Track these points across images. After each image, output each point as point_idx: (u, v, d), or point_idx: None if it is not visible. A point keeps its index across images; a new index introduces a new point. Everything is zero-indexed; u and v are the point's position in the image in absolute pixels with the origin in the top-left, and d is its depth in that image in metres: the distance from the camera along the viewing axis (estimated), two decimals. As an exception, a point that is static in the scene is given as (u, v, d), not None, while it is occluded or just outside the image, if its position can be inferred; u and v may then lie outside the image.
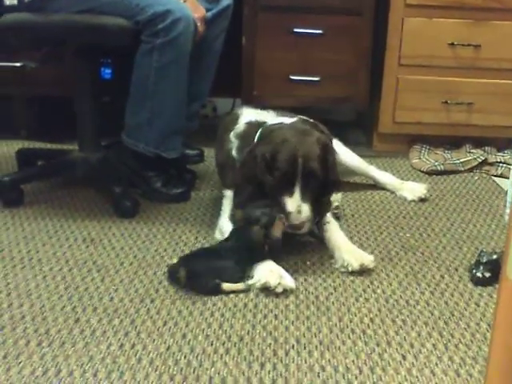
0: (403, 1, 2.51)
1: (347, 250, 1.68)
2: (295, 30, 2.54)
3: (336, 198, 1.99)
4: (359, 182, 2.32)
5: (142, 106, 2.01)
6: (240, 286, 1.54)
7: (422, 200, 2.17)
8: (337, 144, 2.11)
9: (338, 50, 2.58)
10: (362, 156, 2.51)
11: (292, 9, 2.54)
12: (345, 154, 2.21)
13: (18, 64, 2.57)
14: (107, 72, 2.62)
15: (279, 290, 1.52)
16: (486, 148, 2.59)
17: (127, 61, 2.04)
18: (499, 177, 2.45)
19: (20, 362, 1.26)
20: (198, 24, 2.00)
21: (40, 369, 1.24)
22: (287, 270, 1.64)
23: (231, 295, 1.52)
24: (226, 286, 1.53)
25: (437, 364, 1.27)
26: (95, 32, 1.86)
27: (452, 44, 2.54)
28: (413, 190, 2.20)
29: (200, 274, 1.54)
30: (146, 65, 1.94)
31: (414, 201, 2.16)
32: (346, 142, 2.38)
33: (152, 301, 1.50)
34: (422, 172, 2.48)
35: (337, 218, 1.93)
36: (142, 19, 1.87)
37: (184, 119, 2.13)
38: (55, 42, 1.94)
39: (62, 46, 1.99)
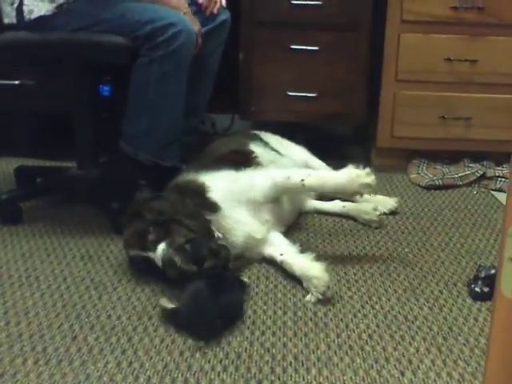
0: (399, 17, 2.52)
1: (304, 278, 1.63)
2: (292, 46, 2.56)
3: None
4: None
5: (141, 115, 2.01)
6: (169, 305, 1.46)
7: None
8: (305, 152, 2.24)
9: (334, 65, 2.60)
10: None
11: (288, 25, 2.56)
12: (315, 161, 2.26)
13: (16, 82, 2.58)
14: (105, 89, 2.63)
15: None
16: (485, 162, 2.60)
17: (126, 78, 2.05)
18: (498, 191, 2.45)
19: (17, 381, 1.25)
20: (198, 35, 2.01)
21: (36, 387, 1.24)
22: (284, 287, 1.65)
23: (229, 312, 1.52)
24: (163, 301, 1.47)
25: (435, 380, 1.26)
26: (91, 49, 1.88)
27: (449, 59, 2.55)
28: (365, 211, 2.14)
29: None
30: (145, 75, 1.95)
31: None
32: (344, 158, 2.38)
33: (150, 318, 1.49)
34: (421, 187, 2.48)
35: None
36: (141, 34, 1.88)
37: (182, 128, 2.14)
38: (53, 59, 1.96)
39: (59, 63, 2.00)
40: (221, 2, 2.27)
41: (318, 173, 1.83)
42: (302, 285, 1.65)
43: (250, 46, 2.58)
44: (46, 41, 1.87)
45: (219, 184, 1.77)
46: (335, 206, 2.18)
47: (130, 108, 2.04)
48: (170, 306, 1.45)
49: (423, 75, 2.59)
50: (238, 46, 2.57)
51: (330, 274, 1.62)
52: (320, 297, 1.57)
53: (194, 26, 2.01)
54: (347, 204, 2.16)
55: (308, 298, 1.59)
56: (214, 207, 1.72)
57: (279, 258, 1.73)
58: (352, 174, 1.69)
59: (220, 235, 1.68)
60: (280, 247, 1.76)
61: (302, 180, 1.74)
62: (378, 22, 2.58)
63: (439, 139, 2.65)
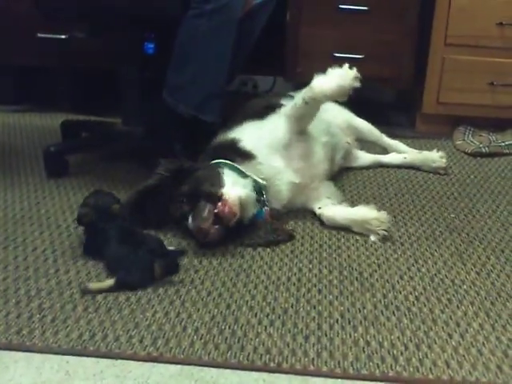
0: (451, -21, 2.46)
1: (359, 222, 1.71)
2: (341, 6, 2.51)
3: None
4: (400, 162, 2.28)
5: (185, 67, 2.00)
6: (107, 282, 1.45)
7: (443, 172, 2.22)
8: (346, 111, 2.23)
9: (383, 27, 2.54)
10: (403, 137, 2.50)
11: (337, -17, 2.51)
12: (358, 121, 2.26)
13: (62, 36, 2.59)
14: (150, 47, 2.62)
15: None
16: (532, 131, 2.54)
17: (170, 36, 2.04)
18: (545, 160, 2.39)
19: (67, 326, 1.28)
20: None
21: (87, 333, 1.26)
22: (329, 247, 1.64)
23: (274, 268, 1.52)
24: (93, 285, 1.45)
25: (484, 344, 1.25)
26: (146, 2, 1.86)
27: (501, 23, 2.47)
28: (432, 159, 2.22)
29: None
30: (192, 28, 1.93)
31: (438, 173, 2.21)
32: (387, 123, 2.34)
33: (196, 271, 1.51)
34: (466, 154, 2.43)
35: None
36: None
37: (225, 84, 2.12)
38: (104, 11, 1.94)
39: (110, 16, 1.99)
40: None
41: (317, 82, 1.78)
42: (346, 245, 1.65)
43: (298, 5, 2.53)
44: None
45: (247, 134, 1.82)
46: (395, 158, 2.27)
47: (175, 59, 2.02)
48: (109, 282, 1.44)
49: (473, 40, 2.51)
50: (281, 7, 2.52)
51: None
52: (386, 234, 1.66)
53: None
54: (408, 155, 2.25)
55: (373, 238, 1.67)
56: (248, 155, 1.76)
57: (318, 211, 1.78)
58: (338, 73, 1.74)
59: (264, 183, 1.73)
60: (322, 200, 1.80)
61: (304, 98, 1.77)
62: (430, -18, 2.51)
63: (487, 106, 2.59)
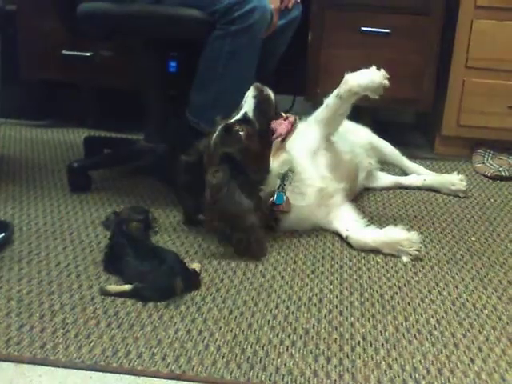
0: (473, 2, 2.47)
1: (390, 243, 1.72)
2: (362, 28, 2.53)
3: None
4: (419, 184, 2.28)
5: (209, 87, 2.02)
6: (125, 287, 1.49)
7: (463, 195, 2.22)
8: (369, 132, 2.26)
9: (404, 50, 2.56)
10: (422, 159, 2.51)
11: (360, 7, 2.53)
12: (380, 142, 2.28)
13: (87, 54, 2.63)
14: (173, 65, 2.65)
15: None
16: (553, 155, 2.53)
17: (193, 54, 2.07)
18: None
19: (91, 342, 1.29)
20: (274, 14, 2.00)
21: (110, 349, 1.27)
22: (350, 268, 1.65)
23: (295, 288, 1.53)
24: (111, 287, 1.49)
25: (507, 370, 1.24)
26: (170, 23, 1.89)
27: (522, 48, 2.49)
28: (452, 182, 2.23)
29: None
30: (217, 48, 1.95)
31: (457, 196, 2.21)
32: (406, 144, 2.34)
33: (218, 290, 1.51)
34: (486, 177, 2.43)
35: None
36: (220, 8, 1.88)
37: None
38: (130, 32, 1.98)
39: (134, 36, 2.02)
40: None
41: (351, 76, 1.86)
42: (367, 266, 1.65)
43: (319, 26, 2.55)
44: (124, 12, 1.89)
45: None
46: (415, 180, 2.28)
47: (199, 79, 2.05)
48: (127, 287, 1.48)
49: (494, 63, 2.52)
50: (303, 27, 2.55)
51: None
52: (418, 254, 1.69)
53: (274, 3, 2.00)
54: (428, 177, 2.27)
55: (405, 259, 1.69)
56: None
57: (345, 233, 1.79)
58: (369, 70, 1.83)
59: (296, 187, 1.79)
60: (347, 222, 1.81)
61: (338, 94, 1.86)
62: (451, 6, 2.52)
63: (506, 129, 2.58)
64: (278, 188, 1.76)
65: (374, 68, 1.82)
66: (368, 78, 1.81)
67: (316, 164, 1.85)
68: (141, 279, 1.48)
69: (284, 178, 1.77)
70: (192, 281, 1.51)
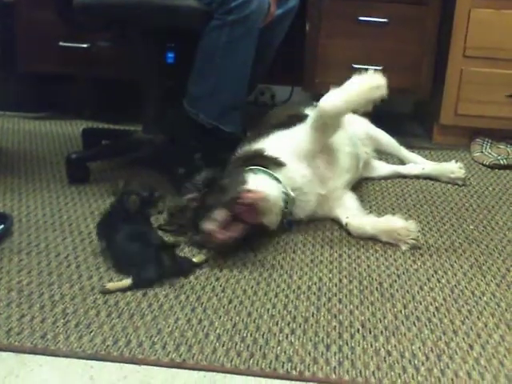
0: (471, -10, 2.47)
1: (388, 231, 1.72)
2: (360, 18, 2.53)
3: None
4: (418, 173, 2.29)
5: (207, 78, 2.02)
6: (125, 282, 1.48)
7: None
8: (366, 122, 2.22)
9: (402, 39, 2.56)
10: (420, 148, 2.51)
11: (357, -4, 2.53)
12: (377, 131, 2.26)
13: (84, 45, 2.63)
14: (170, 56, 2.64)
15: None
16: (551, 144, 2.54)
17: (190, 45, 2.06)
18: None
19: (91, 331, 1.30)
20: (271, 4, 2.00)
21: (111, 338, 1.27)
22: (349, 257, 1.65)
23: (294, 277, 1.53)
24: (111, 285, 1.48)
25: (505, 356, 1.25)
26: (167, 13, 1.89)
27: (520, 36, 2.48)
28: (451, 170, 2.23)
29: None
30: (214, 38, 1.95)
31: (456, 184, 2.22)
32: (404, 134, 2.34)
33: (217, 279, 1.52)
34: (484, 165, 2.43)
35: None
36: None
37: (245, 96, 2.14)
38: (127, 22, 1.98)
39: (132, 26, 2.02)
40: None
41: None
42: (366, 255, 1.65)
43: (317, 16, 2.55)
44: (122, 2, 1.88)
45: (275, 143, 1.83)
46: (414, 168, 2.28)
47: (197, 70, 2.04)
48: (126, 282, 1.47)
49: (492, 52, 2.52)
50: (301, 18, 2.54)
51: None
52: (415, 242, 1.69)
53: None
54: (426, 166, 2.27)
55: (403, 247, 1.69)
56: (279, 163, 1.75)
57: (345, 221, 1.79)
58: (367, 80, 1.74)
59: (293, 195, 1.73)
60: (348, 210, 1.82)
61: (326, 98, 1.74)
62: (449, -5, 2.52)
63: (504, 118, 2.59)
64: (285, 218, 1.72)
65: (365, 77, 1.73)
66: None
67: (315, 167, 1.81)
68: (133, 261, 1.50)
69: (285, 205, 1.70)
70: (181, 267, 1.53)
